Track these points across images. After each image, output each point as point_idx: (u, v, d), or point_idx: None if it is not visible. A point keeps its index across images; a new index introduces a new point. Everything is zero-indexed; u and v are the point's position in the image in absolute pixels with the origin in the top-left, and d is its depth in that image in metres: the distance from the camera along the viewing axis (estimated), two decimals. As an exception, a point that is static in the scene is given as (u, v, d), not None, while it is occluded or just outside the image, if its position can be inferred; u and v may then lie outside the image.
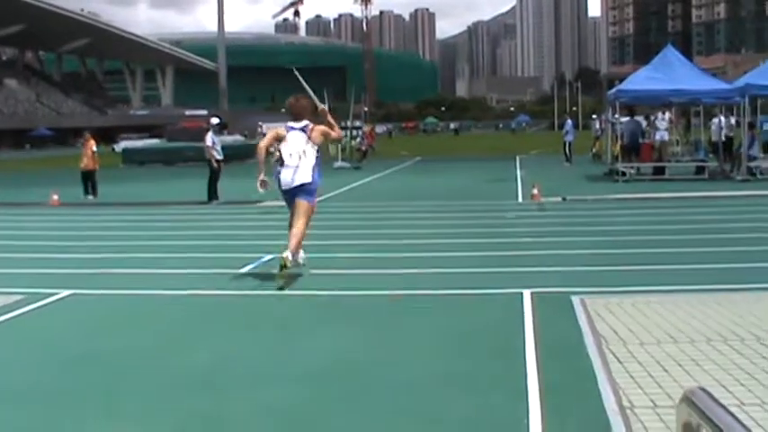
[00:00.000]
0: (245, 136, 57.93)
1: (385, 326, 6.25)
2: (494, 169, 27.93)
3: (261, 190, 8.50)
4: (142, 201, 18.80)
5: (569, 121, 31.55)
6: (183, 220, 14.73)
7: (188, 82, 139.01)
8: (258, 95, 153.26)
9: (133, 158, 40.64)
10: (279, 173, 8.32)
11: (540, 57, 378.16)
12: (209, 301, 7.44)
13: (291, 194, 8.38)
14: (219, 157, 18.47)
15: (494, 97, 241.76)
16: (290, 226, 8.35)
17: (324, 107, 8.96)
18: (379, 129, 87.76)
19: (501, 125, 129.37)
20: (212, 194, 18.15)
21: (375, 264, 9.21)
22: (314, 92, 9.16)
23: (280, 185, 8.37)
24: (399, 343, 5.73)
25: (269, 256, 9.78)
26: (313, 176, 8.34)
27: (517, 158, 34.45)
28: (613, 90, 23.15)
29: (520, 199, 17.06)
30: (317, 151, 8.42)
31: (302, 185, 8.28)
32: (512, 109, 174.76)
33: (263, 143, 8.48)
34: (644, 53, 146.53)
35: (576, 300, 6.79)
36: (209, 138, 18.42)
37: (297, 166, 8.26)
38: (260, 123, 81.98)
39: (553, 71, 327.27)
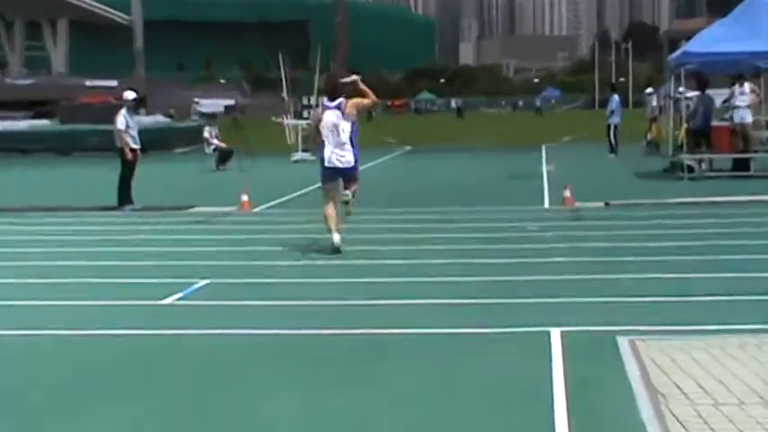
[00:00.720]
0: (171, 116, 57.64)
1: (364, 379, 6.25)
2: (511, 163, 28.00)
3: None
4: (25, 205, 18.71)
5: (615, 97, 31.63)
6: (84, 233, 14.66)
7: (89, 40, 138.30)
8: (188, 61, 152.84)
9: (11, 145, 40.36)
10: (321, 152, 11.85)
11: (575, 8, 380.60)
12: (119, 345, 7.42)
13: (336, 173, 11.82)
14: (135, 145, 18.43)
15: (511, 64, 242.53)
16: (327, 212, 11.68)
17: (356, 78, 12.09)
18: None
19: (521, 103, 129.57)
20: (125, 197, 18.10)
21: (352, 291, 9.27)
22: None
23: (322, 163, 11.86)
24: (385, 404, 5.72)
25: (203, 282, 9.82)
26: (354, 156, 11.80)
27: (543, 149, 34.66)
28: (678, 53, 23.21)
29: (546, 204, 17.36)
30: (353, 125, 11.77)
31: (347, 169, 11.77)
32: (536, 80, 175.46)
33: (312, 143, 13.09)
34: (720, 2, 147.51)
35: (623, 342, 6.84)
36: (122, 119, 18.35)
37: (335, 143, 11.68)
38: (195, 100, 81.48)
39: (594, 28, 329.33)
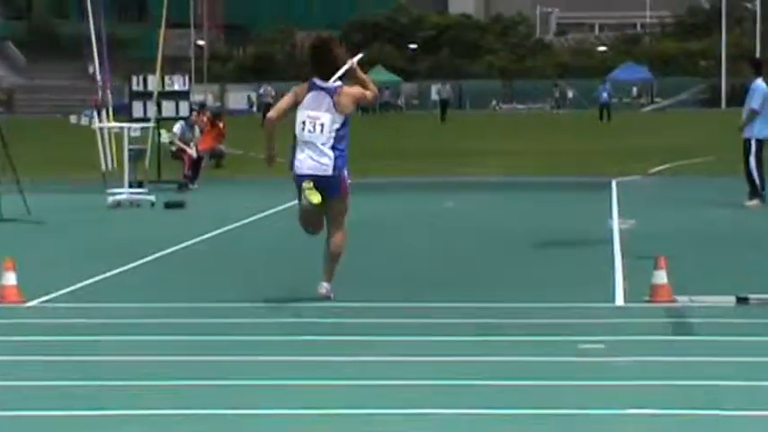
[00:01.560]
0: None
1: None
2: (549, 215, 29.38)
3: (270, 166, 16.56)
4: None
5: (761, 86, 32.06)
6: None
7: None
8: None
9: None
10: (292, 153, 15.90)
11: None
12: None
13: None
14: None
15: (552, 18, 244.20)
16: (306, 226, 16.40)
17: (353, 62, 15.97)
18: (238, 103, 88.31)
19: (571, 94, 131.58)
20: None
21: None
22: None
23: (292, 169, 15.93)
24: None
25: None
26: (336, 165, 15.67)
27: (614, 186, 36.26)
28: None
29: (619, 297, 17.87)
30: (344, 123, 15.79)
31: (325, 179, 15.58)
32: (601, 49, 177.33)
33: (274, 113, 16.39)
34: None
35: None
36: None
37: (312, 143, 15.63)
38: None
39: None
